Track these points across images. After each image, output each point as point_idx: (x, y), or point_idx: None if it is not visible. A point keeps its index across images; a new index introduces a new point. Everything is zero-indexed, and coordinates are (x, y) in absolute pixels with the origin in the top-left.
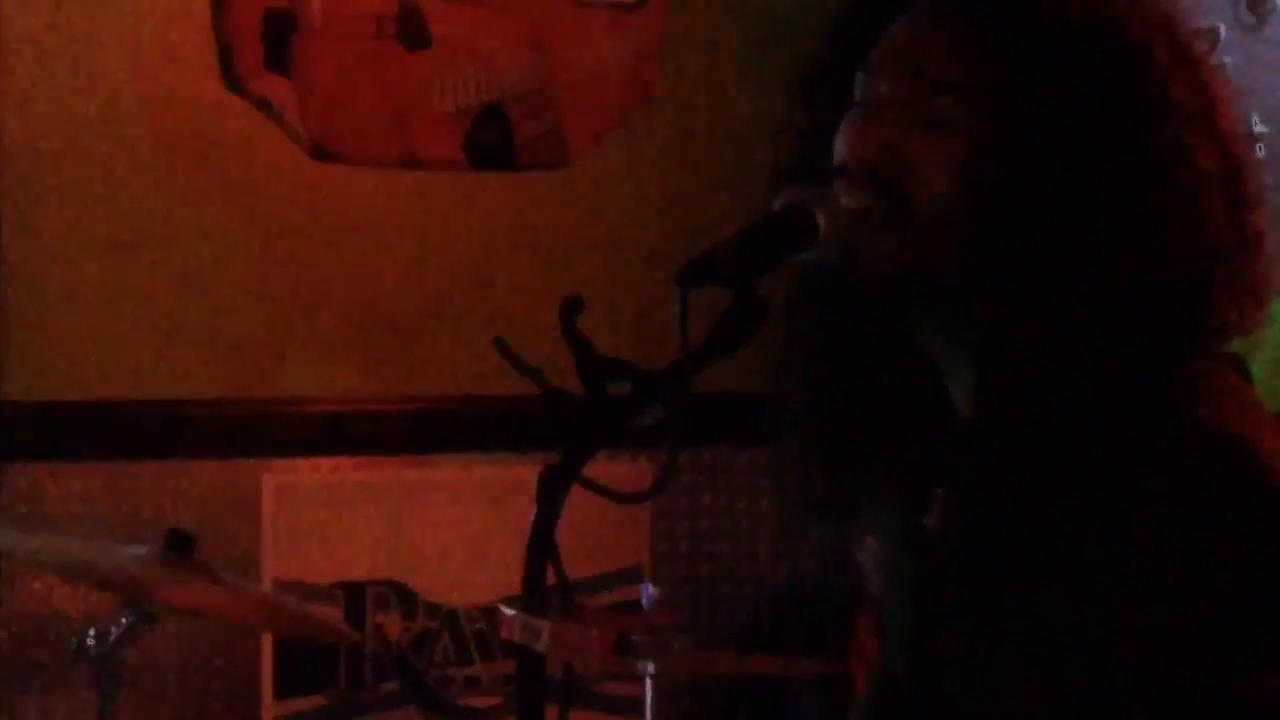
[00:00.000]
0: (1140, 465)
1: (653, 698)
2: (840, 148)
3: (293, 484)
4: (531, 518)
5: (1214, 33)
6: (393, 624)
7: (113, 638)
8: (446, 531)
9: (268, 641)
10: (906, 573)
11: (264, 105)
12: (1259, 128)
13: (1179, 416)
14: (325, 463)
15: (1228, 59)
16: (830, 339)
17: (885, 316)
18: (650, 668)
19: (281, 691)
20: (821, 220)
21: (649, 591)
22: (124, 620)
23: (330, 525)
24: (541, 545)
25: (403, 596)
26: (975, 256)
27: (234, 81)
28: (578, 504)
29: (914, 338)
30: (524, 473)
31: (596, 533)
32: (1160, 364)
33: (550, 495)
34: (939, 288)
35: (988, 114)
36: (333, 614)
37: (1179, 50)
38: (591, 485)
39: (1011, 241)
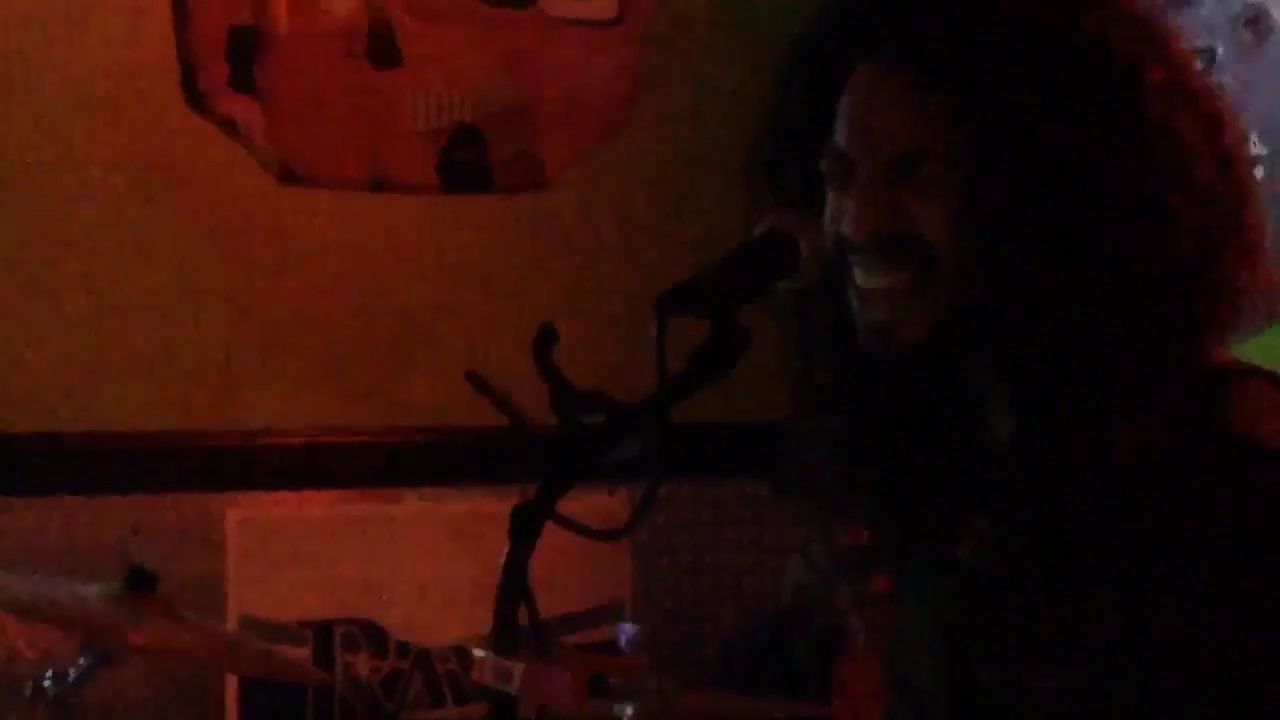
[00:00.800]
0: (1187, 484)
1: None
2: (834, 228)
3: (258, 519)
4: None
5: (1211, 52)
6: (362, 664)
7: (71, 679)
8: (418, 568)
9: (233, 683)
10: (939, 607)
11: (229, 126)
12: (1258, 149)
13: (1221, 432)
14: (292, 496)
15: (1225, 79)
16: (857, 381)
17: (919, 371)
18: (628, 710)
19: None
20: (804, 247)
21: (627, 631)
22: (83, 661)
23: (297, 561)
24: (514, 584)
25: (372, 635)
26: (998, 299)
27: (197, 101)
28: (554, 539)
29: (945, 376)
30: (499, 507)
31: (574, 569)
32: (1192, 373)
33: (523, 533)
34: (971, 338)
35: (971, 167)
36: (300, 654)
37: (1169, 68)
38: (566, 522)
39: (1027, 277)
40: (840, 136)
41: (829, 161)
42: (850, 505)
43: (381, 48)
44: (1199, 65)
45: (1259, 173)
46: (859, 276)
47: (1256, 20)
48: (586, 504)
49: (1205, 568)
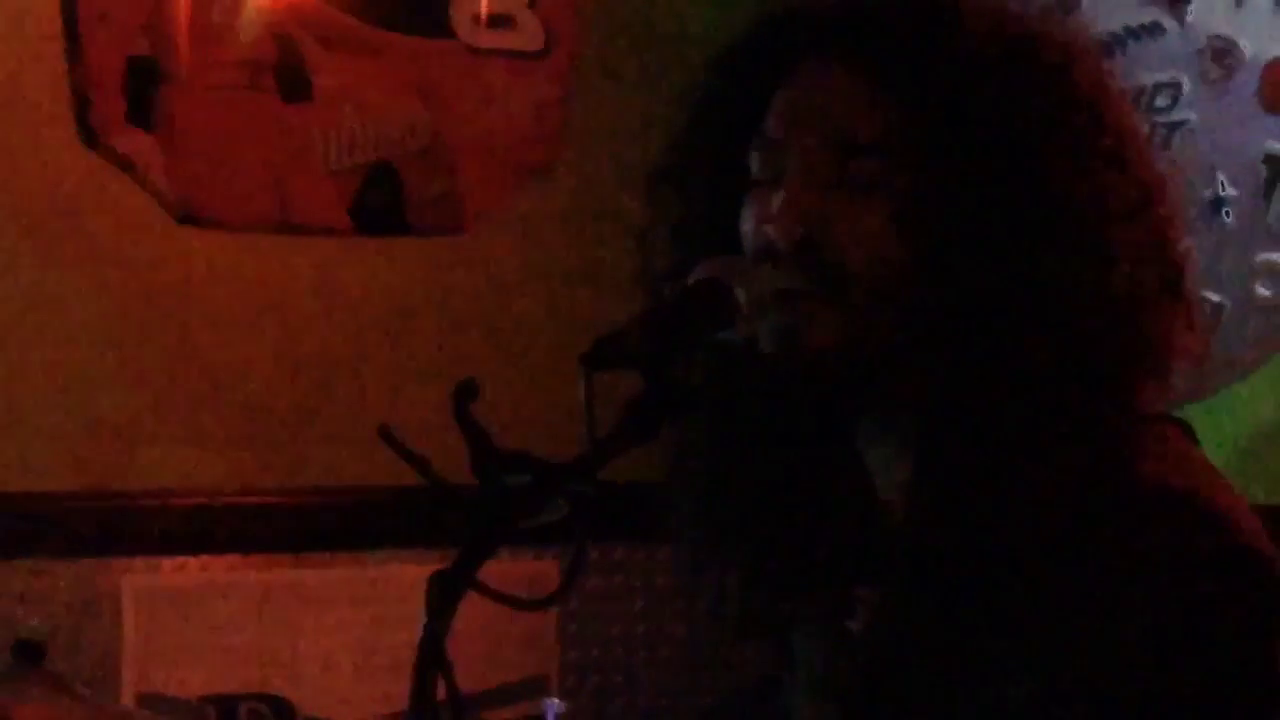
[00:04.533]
0: (1095, 534)
1: None
2: (759, 230)
3: (156, 586)
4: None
5: (1176, 86)
6: None
7: None
8: (329, 639)
9: None
10: (836, 681)
11: (125, 163)
12: (1226, 190)
13: (1129, 479)
14: (193, 562)
15: (1191, 115)
16: (740, 428)
17: (815, 402)
18: None
19: None
20: (741, 295)
21: (554, 708)
22: None
23: (198, 632)
24: (431, 657)
25: (280, 712)
26: (916, 317)
27: (91, 136)
28: (475, 608)
29: (838, 427)
30: (416, 573)
31: (497, 640)
32: (1110, 424)
33: (441, 602)
34: (878, 363)
35: (909, 167)
36: None
37: (1098, 75)
38: (488, 591)
39: (951, 294)
40: (773, 125)
41: (757, 155)
42: (720, 560)
43: (290, 80)
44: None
45: (1227, 216)
46: (771, 277)
47: (1223, 53)
48: (511, 570)
49: (1115, 618)
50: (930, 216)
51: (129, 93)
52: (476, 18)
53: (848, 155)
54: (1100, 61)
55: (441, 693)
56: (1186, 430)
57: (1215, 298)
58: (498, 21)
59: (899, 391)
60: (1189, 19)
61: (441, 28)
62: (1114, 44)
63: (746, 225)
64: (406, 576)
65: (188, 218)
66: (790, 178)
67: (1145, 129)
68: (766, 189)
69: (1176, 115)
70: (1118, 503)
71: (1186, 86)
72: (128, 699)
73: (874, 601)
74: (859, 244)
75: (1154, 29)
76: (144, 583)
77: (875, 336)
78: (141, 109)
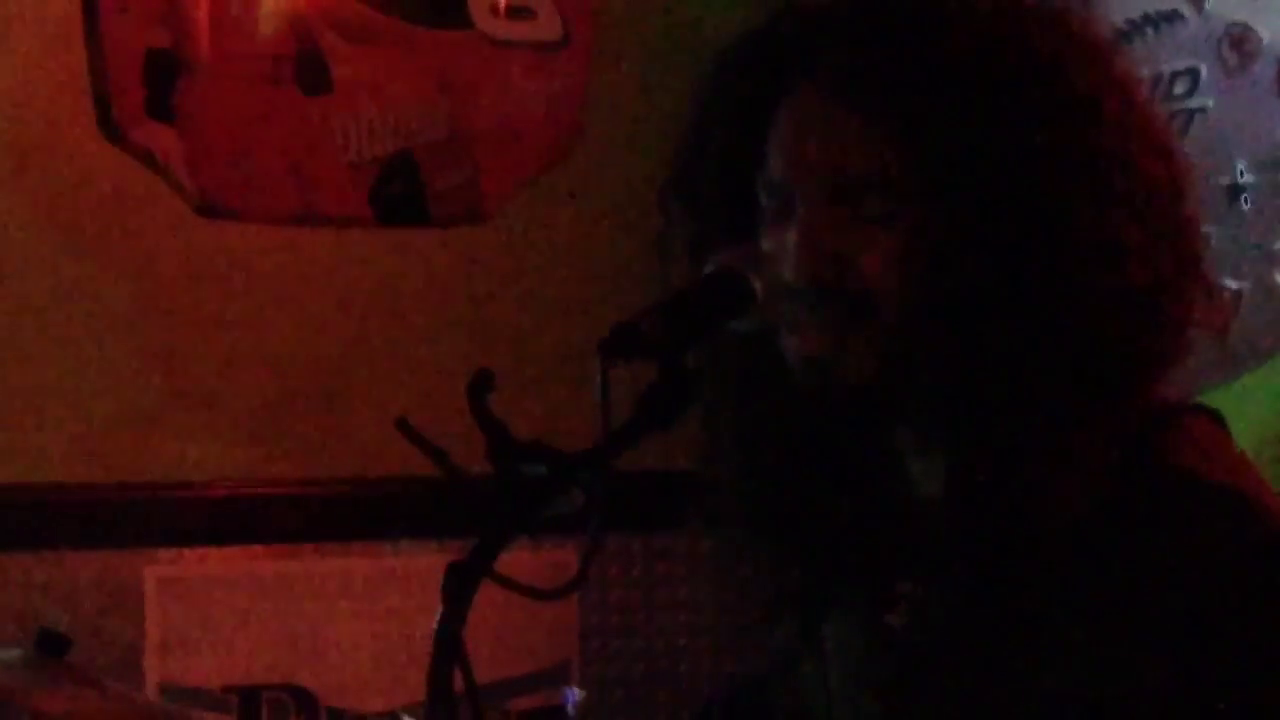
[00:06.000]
0: (1133, 527)
1: None
2: (783, 270)
3: (179, 577)
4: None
5: (1194, 74)
6: None
7: None
8: (350, 629)
9: None
10: (875, 674)
11: (146, 157)
12: (1245, 178)
13: (1165, 471)
14: (215, 553)
15: (1209, 102)
16: (775, 420)
17: (850, 416)
18: None
19: None
20: (757, 285)
21: (573, 696)
22: None
23: (221, 622)
24: (448, 648)
25: (302, 701)
26: (944, 339)
27: (111, 129)
28: (493, 598)
29: (874, 432)
30: (436, 563)
31: (515, 629)
32: (1138, 414)
33: (458, 592)
34: (908, 383)
35: (915, 196)
36: None
37: (1124, 97)
38: (505, 581)
39: (975, 317)
40: (776, 166)
41: (766, 195)
42: (759, 552)
43: (310, 73)
44: (1149, 93)
45: (1245, 203)
46: (794, 312)
47: (1242, 40)
48: (530, 560)
49: (1158, 611)
50: (942, 241)
51: (149, 85)
52: (495, 9)
53: (854, 193)
54: (1100, 50)
55: (460, 682)
56: (1217, 419)
57: (1234, 284)
58: (516, 12)
59: (930, 405)
60: (1207, 6)
61: (460, 19)
62: (1133, 31)
63: (766, 260)
64: (425, 566)
65: (208, 209)
66: (801, 221)
67: (1158, 114)
68: (781, 225)
69: (1195, 102)
70: (1157, 496)
71: (1205, 74)
72: (150, 689)
73: (915, 596)
74: (877, 274)
75: (1172, 16)
76: (166, 573)
77: (903, 358)
78: (162, 102)
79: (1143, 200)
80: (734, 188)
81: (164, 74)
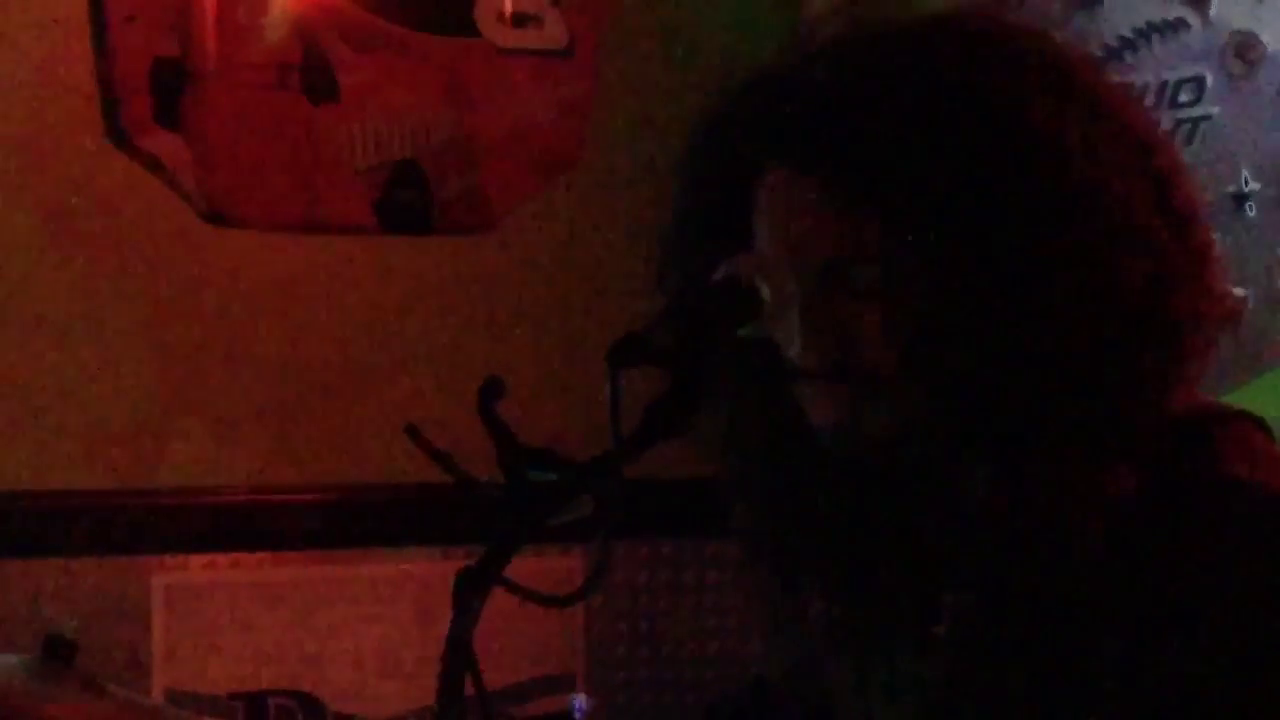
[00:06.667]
0: (1182, 533)
1: None
2: (787, 356)
3: (185, 584)
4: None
5: (1199, 81)
6: None
7: None
8: (357, 635)
9: None
10: (920, 685)
11: (154, 164)
12: (1250, 185)
13: (1213, 478)
14: (222, 560)
15: (1214, 110)
16: (799, 432)
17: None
18: None
19: None
20: (765, 292)
21: (581, 703)
22: None
23: (228, 629)
24: (458, 653)
25: (308, 707)
26: (956, 395)
27: (120, 137)
28: (502, 605)
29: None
30: (445, 570)
31: (524, 636)
32: (1169, 419)
33: (468, 598)
34: (933, 436)
35: (900, 264)
36: None
37: (1092, 115)
38: (514, 587)
39: (982, 367)
40: (761, 244)
41: (760, 277)
42: (807, 575)
43: (317, 80)
44: (1134, 95)
45: (1250, 210)
46: (804, 389)
47: (1247, 48)
48: (537, 567)
49: (1212, 622)
50: (931, 302)
51: (157, 93)
52: (501, 17)
53: (841, 269)
54: (1063, 73)
55: (469, 688)
56: (1262, 426)
57: (1240, 291)
58: (522, 20)
59: (956, 449)
60: (1212, 14)
61: (467, 27)
62: (1137, 40)
63: (782, 344)
64: (434, 573)
65: (215, 217)
66: (801, 307)
67: (1138, 114)
68: (782, 305)
69: (1200, 110)
70: (1206, 506)
71: (1210, 82)
72: (157, 696)
73: (960, 607)
74: (875, 344)
75: (1177, 25)
76: (173, 580)
77: (919, 417)
78: (169, 109)
79: (1126, 217)
80: (720, 242)
81: (171, 82)
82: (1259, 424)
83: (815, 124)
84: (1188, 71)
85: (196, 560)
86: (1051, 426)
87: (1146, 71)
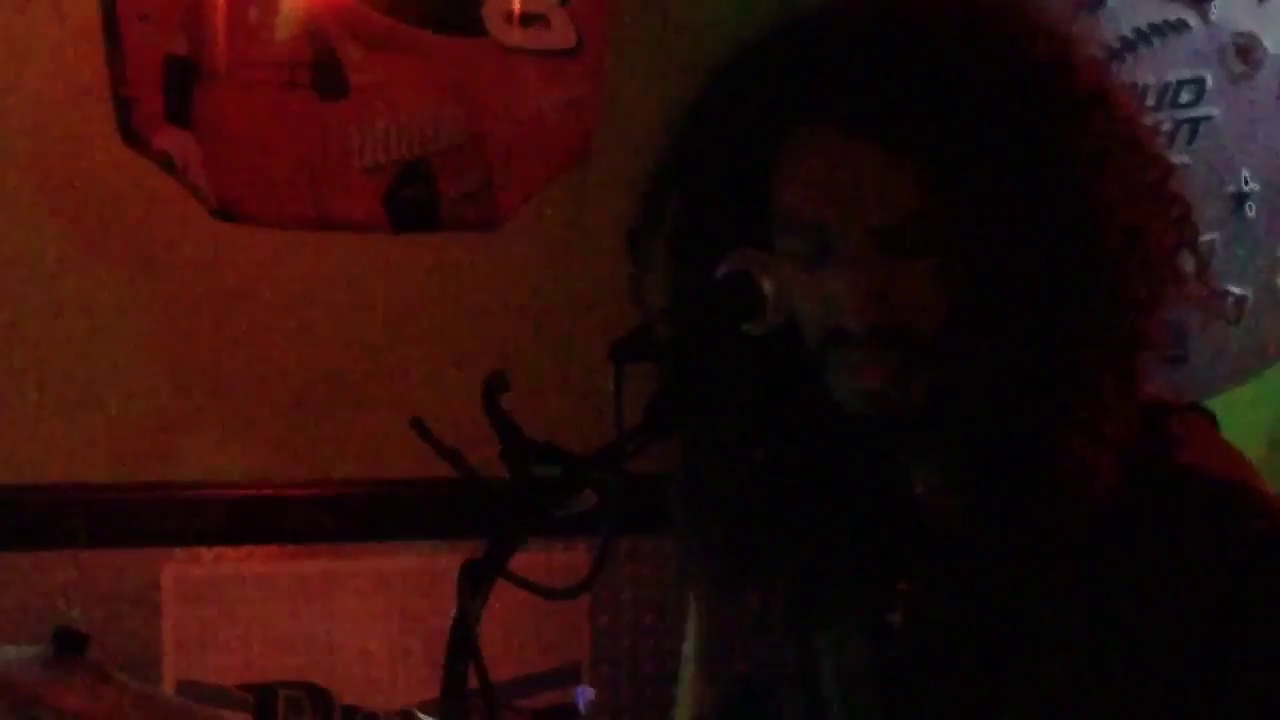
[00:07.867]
0: (1139, 521)
1: None
2: (826, 315)
3: (196, 576)
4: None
5: (1200, 83)
6: None
7: None
8: (365, 627)
9: None
10: (874, 673)
11: (165, 161)
12: (1250, 185)
13: (1168, 467)
14: (231, 552)
15: (1214, 110)
16: (779, 421)
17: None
18: None
19: None
20: (767, 287)
21: (585, 695)
22: None
23: (238, 621)
24: (462, 646)
25: (318, 699)
26: (989, 361)
27: (131, 134)
28: (507, 597)
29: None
30: (450, 563)
31: (528, 629)
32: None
33: (471, 592)
34: (953, 412)
35: (950, 222)
36: (241, 719)
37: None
38: (518, 580)
39: (1022, 335)
40: (805, 209)
41: (795, 239)
42: (755, 565)
43: (326, 79)
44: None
45: (1250, 210)
46: (847, 355)
47: (1247, 50)
48: (542, 560)
49: (1163, 606)
50: (982, 266)
51: (168, 91)
52: (509, 16)
53: (895, 231)
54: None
55: (474, 680)
56: (1209, 417)
57: (1239, 290)
58: (530, 20)
59: (966, 429)
60: (1212, 15)
61: (475, 26)
62: (1138, 40)
63: (805, 306)
64: (439, 566)
65: (225, 214)
66: (851, 266)
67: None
68: (814, 270)
69: (1200, 111)
70: (1159, 493)
71: (1210, 82)
72: (167, 687)
73: (914, 595)
74: (924, 306)
75: (1178, 26)
76: (183, 573)
77: (953, 388)
78: (180, 107)
79: (1152, 170)
80: (737, 204)
81: (183, 80)
82: (1206, 416)
83: (865, 76)
84: (1188, 72)
85: (207, 553)
86: (1085, 393)
87: (1147, 72)
